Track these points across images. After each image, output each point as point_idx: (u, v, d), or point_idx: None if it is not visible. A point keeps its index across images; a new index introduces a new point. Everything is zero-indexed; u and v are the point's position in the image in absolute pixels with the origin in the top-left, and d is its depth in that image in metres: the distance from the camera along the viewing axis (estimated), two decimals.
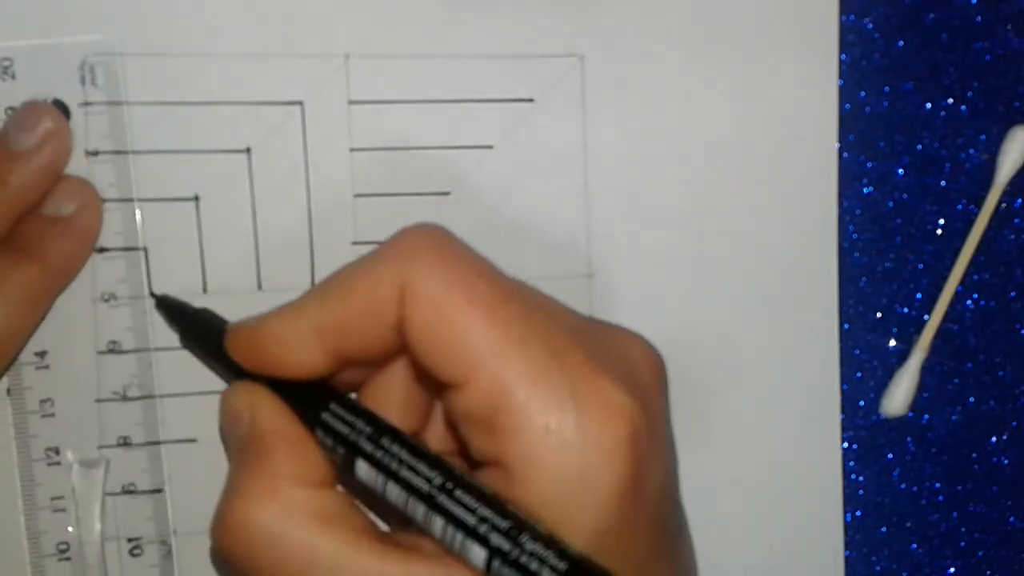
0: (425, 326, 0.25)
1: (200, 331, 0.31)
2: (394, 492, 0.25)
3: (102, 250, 0.31)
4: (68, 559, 0.31)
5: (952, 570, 0.38)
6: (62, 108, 0.31)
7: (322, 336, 0.26)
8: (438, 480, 0.25)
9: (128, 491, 0.32)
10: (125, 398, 0.32)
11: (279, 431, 0.26)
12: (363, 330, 0.26)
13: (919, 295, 0.37)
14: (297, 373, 0.27)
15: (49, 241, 0.30)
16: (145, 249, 0.32)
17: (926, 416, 0.38)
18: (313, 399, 0.27)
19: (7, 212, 0.29)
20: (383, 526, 0.28)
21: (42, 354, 0.31)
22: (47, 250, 0.30)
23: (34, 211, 0.30)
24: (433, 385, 0.27)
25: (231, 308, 0.32)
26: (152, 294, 0.32)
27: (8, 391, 0.31)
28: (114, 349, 0.32)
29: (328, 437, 0.26)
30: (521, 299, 0.26)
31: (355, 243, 0.33)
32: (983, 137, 0.37)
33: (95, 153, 0.31)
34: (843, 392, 0.37)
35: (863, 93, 0.37)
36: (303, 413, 0.27)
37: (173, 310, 0.32)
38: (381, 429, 0.26)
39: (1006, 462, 0.38)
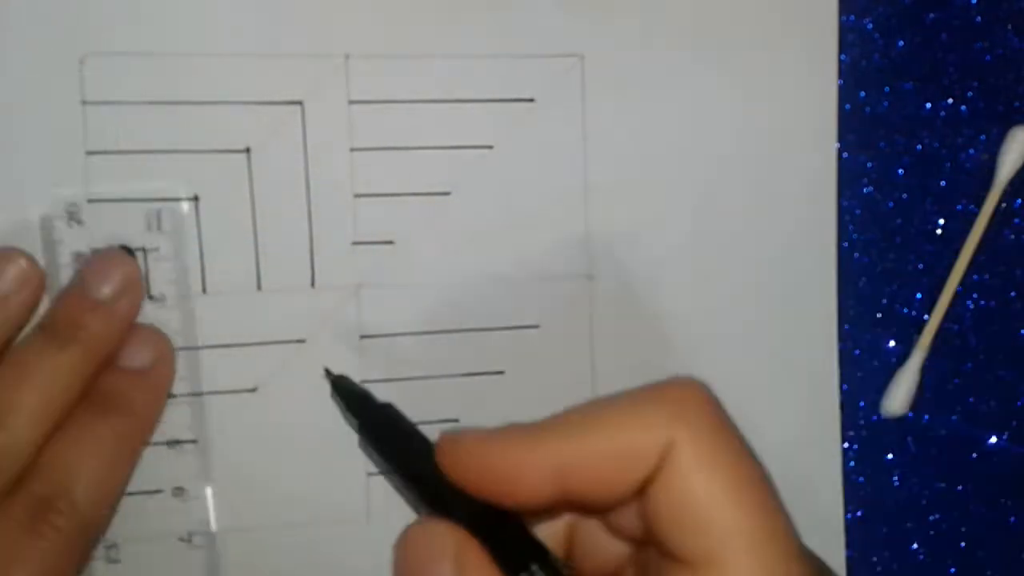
0: (682, 496, 0.23)
1: (386, 431, 0.29)
2: None
3: (170, 396, 0.32)
4: None
5: (952, 570, 0.38)
6: (128, 253, 0.31)
7: (562, 473, 0.24)
8: None
9: None
10: (191, 544, 0.32)
11: None
12: (609, 479, 0.24)
13: (919, 295, 0.37)
14: (517, 505, 0.24)
15: (130, 394, 0.30)
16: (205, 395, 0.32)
17: (926, 416, 0.38)
18: (516, 550, 0.24)
19: (91, 361, 0.29)
20: None
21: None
22: (129, 403, 0.30)
23: (111, 364, 0.30)
24: (660, 549, 0.24)
25: (231, 308, 0.32)
26: (328, 372, 0.31)
27: None
28: (179, 496, 0.32)
29: None
30: (769, 487, 0.24)
31: (355, 243, 0.33)
32: (983, 137, 0.37)
33: (161, 299, 0.32)
34: (843, 392, 0.37)
35: (863, 93, 0.37)
36: (502, 563, 0.24)
37: (352, 398, 0.30)
38: None
39: (1006, 462, 0.38)
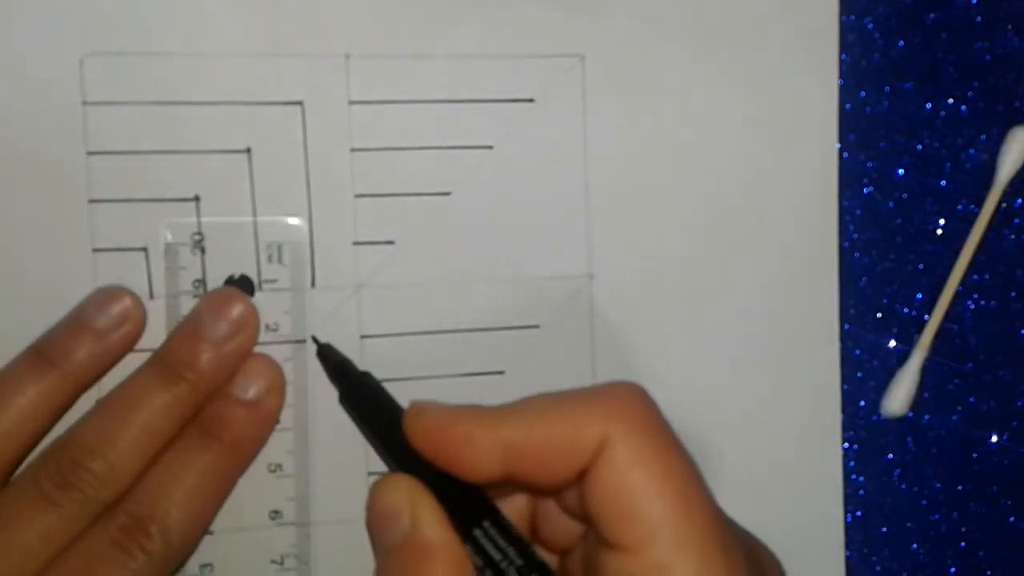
0: (614, 487, 0.25)
1: (363, 397, 0.31)
2: None
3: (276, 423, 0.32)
4: None
5: (952, 570, 0.38)
6: (247, 283, 0.32)
7: (509, 453, 0.26)
8: None
9: None
10: (283, 567, 0.32)
11: (441, 545, 0.26)
12: (549, 464, 0.26)
13: (919, 295, 0.37)
14: (469, 475, 0.27)
15: (237, 424, 0.30)
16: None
17: (926, 416, 0.38)
18: (470, 509, 0.27)
19: (197, 399, 0.30)
20: None
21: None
22: (235, 432, 0.30)
23: (223, 392, 0.31)
24: (595, 533, 0.27)
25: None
26: (315, 339, 0.32)
27: None
28: (276, 519, 0.32)
29: (477, 556, 0.26)
30: (706, 488, 0.26)
31: (355, 243, 0.33)
32: (983, 137, 0.37)
33: (275, 329, 0.32)
34: (843, 392, 0.37)
35: (863, 93, 0.37)
36: (457, 520, 0.27)
37: (335, 365, 0.32)
38: (532, 564, 0.26)
39: (1006, 462, 0.38)
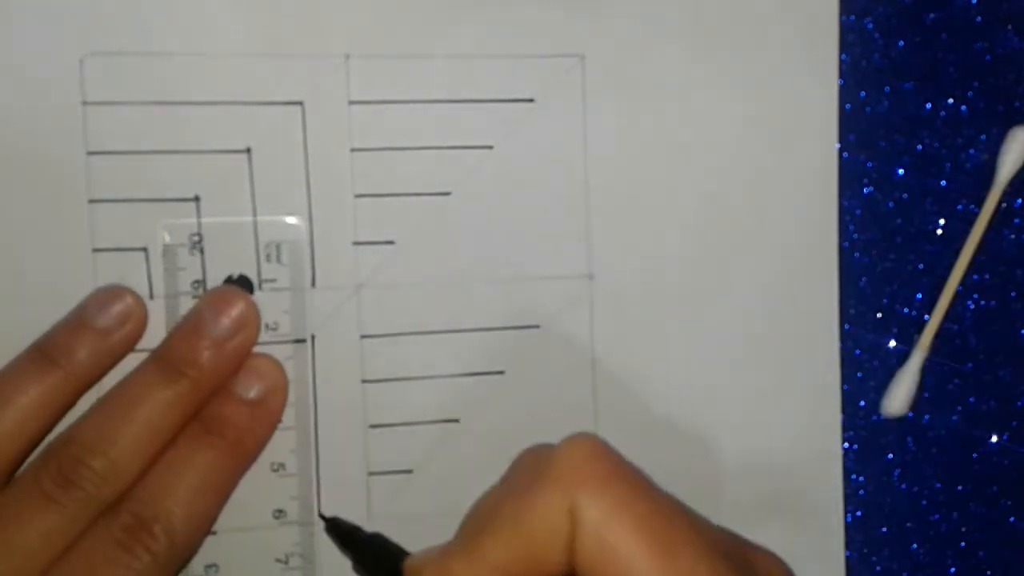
0: (594, 552, 0.25)
1: (373, 558, 0.31)
2: None
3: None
4: None
5: (952, 570, 0.38)
6: (247, 283, 0.32)
7: (504, 573, 0.26)
8: None
9: None
10: (287, 566, 0.32)
11: None
12: (542, 560, 0.26)
13: (919, 295, 0.37)
14: None
15: (239, 424, 0.30)
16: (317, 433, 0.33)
17: (926, 416, 0.38)
18: None
19: (198, 396, 0.30)
20: None
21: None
22: (239, 431, 0.30)
23: (225, 390, 0.31)
24: None
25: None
26: (322, 516, 0.32)
27: None
28: (280, 518, 0.32)
29: None
30: (683, 520, 0.26)
31: (355, 243, 0.33)
32: (983, 137, 0.37)
33: (274, 328, 0.32)
34: (843, 392, 0.37)
35: (863, 93, 0.37)
36: None
37: (344, 537, 0.32)
38: None
39: (1006, 462, 0.38)
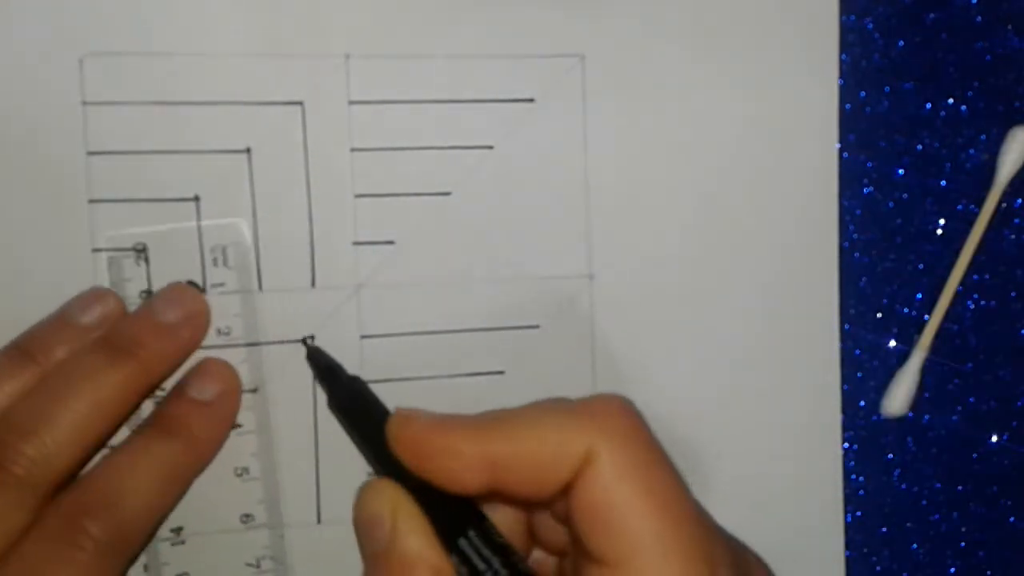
0: (599, 500, 0.25)
1: (352, 402, 0.31)
2: None
3: (235, 426, 0.32)
4: None
5: (952, 570, 0.38)
6: (195, 288, 0.32)
7: (494, 467, 0.26)
8: None
9: None
10: (259, 569, 0.32)
11: (422, 556, 0.26)
12: (535, 478, 0.26)
13: (919, 295, 0.37)
14: (453, 488, 0.27)
15: (193, 423, 0.30)
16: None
17: (926, 416, 0.38)
18: (455, 518, 0.27)
19: (142, 380, 0.30)
20: None
21: (178, 530, 0.32)
22: (191, 432, 0.30)
23: (178, 391, 0.31)
24: (580, 547, 0.26)
25: (240, 304, 0.32)
26: (304, 342, 0.32)
27: (145, 567, 0.31)
28: (247, 523, 0.32)
29: (462, 565, 0.26)
30: (690, 500, 0.26)
31: (355, 243, 0.33)
32: (983, 137, 0.37)
33: (227, 332, 0.32)
34: (843, 392, 0.37)
35: (863, 93, 0.37)
36: (442, 529, 0.27)
37: (324, 369, 0.32)
38: (517, 574, 0.26)
39: (1006, 462, 0.38)
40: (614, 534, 0.25)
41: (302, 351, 0.33)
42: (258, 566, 0.32)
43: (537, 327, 0.34)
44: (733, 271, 0.35)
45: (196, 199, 0.32)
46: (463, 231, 0.34)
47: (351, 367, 0.33)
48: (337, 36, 0.33)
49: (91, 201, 0.31)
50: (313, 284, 0.33)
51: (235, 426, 0.32)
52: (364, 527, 0.27)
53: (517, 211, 0.34)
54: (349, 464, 0.32)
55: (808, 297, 0.36)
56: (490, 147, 0.34)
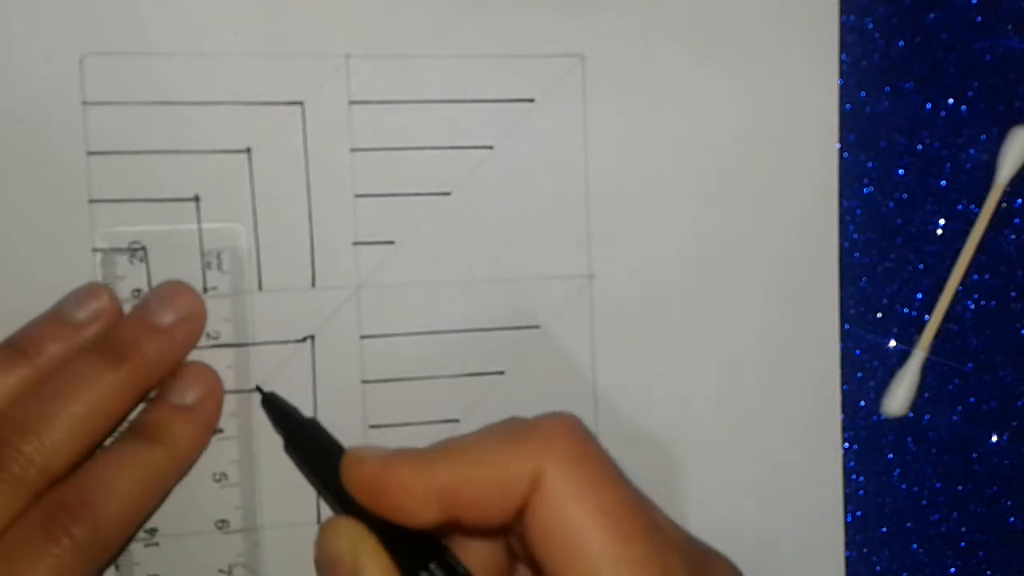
0: (551, 523, 0.25)
1: (308, 445, 0.31)
2: None
3: (217, 431, 0.32)
4: None
5: (952, 570, 0.38)
6: (190, 288, 0.32)
7: (444, 498, 0.26)
8: None
9: None
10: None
11: None
12: (487, 505, 0.26)
13: (919, 295, 0.37)
14: (409, 523, 0.27)
15: (174, 428, 0.30)
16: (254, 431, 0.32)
17: (927, 416, 0.38)
18: (416, 552, 0.27)
19: (140, 383, 0.30)
20: None
21: (152, 531, 0.32)
22: (174, 436, 0.30)
23: (160, 398, 0.31)
24: (532, 566, 0.27)
25: (231, 308, 0.32)
26: (259, 389, 0.32)
27: (116, 566, 0.31)
28: (223, 528, 0.32)
29: None
30: (644, 512, 0.26)
31: (355, 243, 0.33)
32: (983, 137, 0.37)
33: (216, 336, 0.32)
34: (844, 392, 0.37)
35: (863, 93, 0.37)
36: (403, 564, 0.27)
37: (279, 414, 0.32)
38: None
39: (1006, 462, 0.38)
40: (568, 556, 0.25)
41: (301, 351, 0.33)
42: (230, 572, 0.32)
43: (537, 327, 0.34)
44: (733, 271, 0.35)
45: (196, 199, 0.32)
46: (463, 231, 0.34)
47: (351, 367, 0.33)
48: (337, 36, 0.33)
49: (91, 201, 0.31)
50: (313, 284, 0.33)
51: (217, 431, 0.32)
52: (326, 567, 0.28)
53: (517, 211, 0.34)
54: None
55: (808, 297, 0.36)
56: (490, 147, 0.34)
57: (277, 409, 0.32)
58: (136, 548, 0.32)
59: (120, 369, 0.29)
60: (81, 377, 0.29)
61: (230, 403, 0.32)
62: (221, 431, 0.32)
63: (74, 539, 0.27)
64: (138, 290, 0.31)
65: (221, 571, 0.32)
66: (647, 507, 0.26)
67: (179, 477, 0.31)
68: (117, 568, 0.31)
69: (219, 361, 0.32)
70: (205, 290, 0.32)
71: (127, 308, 0.31)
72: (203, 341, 0.32)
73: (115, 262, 0.31)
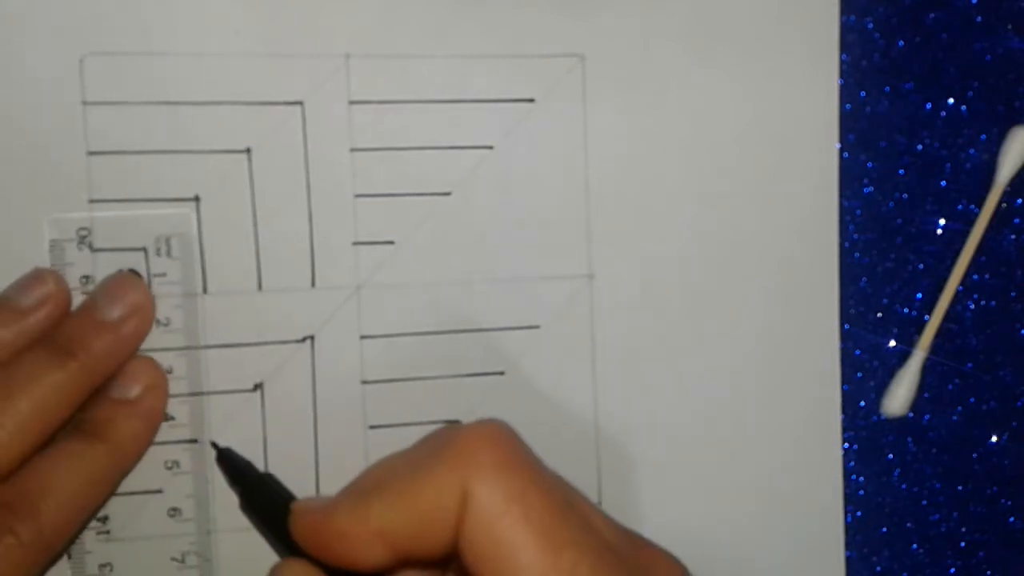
0: (481, 541, 0.25)
1: (263, 499, 0.31)
2: None
3: (168, 418, 0.32)
4: None
5: (952, 570, 0.38)
6: (139, 278, 0.31)
7: (386, 537, 0.26)
8: None
9: None
10: (183, 564, 0.32)
11: None
12: (427, 535, 0.26)
13: (919, 295, 0.37)
14: (360, 567, 0.26)
15: (118, 424, 0.30)
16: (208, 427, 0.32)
17: (927, 416, 0.38)
18: None
19: (89, 379, 0.30)
20: None
21: (104, 519, 0.32)
22: (117, 432, 0.30)
23: (103, 394, 0.30)
24: None
25: (231, 308, 0.32)
26: (214, 445, 0.32)
27: (68, 555, 0.31)
28: (175, 517, 0.32)
29: None
30: (574, 517, 0.26)
31: (355, 243, 0.33)
32: (983, 137, 0.37)
33: (166, 324, 0.32)
34: (844, 392, 0.37)
35: (863, 93, 0.37)
36: None
37: (236, 469, 0.32)
38: None
39: (1006, 462, 0.38)
40: (499, 569, 0.25)
41: (301, 351, 0.33)
42: (183, 561, 0.32)
43: (537, 327, 0.34)
44: (733, 271, 0.35)
45: (196, 199, 0.32)
46: (463, 231, 0.34)
47: (351, 368, 0.33)
48: (337, 36, 0.33)
49: (91, 201, 0.31)
50: (313, 284, 0.33)
51: (168, 418, 0.32)
52: None
53: (517, 211, 0.34)
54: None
55: (808, 297, 0.36)
56: (490, 147, 0.34)
57: (232, 466, 0.32)
58: (88, 537, 0.31)
59: (69, 366, 0.29)
60: (27, 374, 0.29)
61: (179, 387, 0.32)
62: (172, 418, 0.32)
63: (18, 537, 0.27)
64: (87, 277, 0.31)
65: (174, 559, 0.32)
66: (578, 509, 0.26)
67: (125, 472, 0.31)
68: (69, 557, 0.31)
69: (170, 347, 0.32)
70: (153, 278, 0.31)
71: (76, 295, 0.31)
72: (154, 330, 0.31)
73: (64, 248, 0.31)
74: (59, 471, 0.29)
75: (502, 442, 0.26)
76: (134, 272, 0.31)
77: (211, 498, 0.32)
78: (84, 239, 0.31)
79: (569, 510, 0.26)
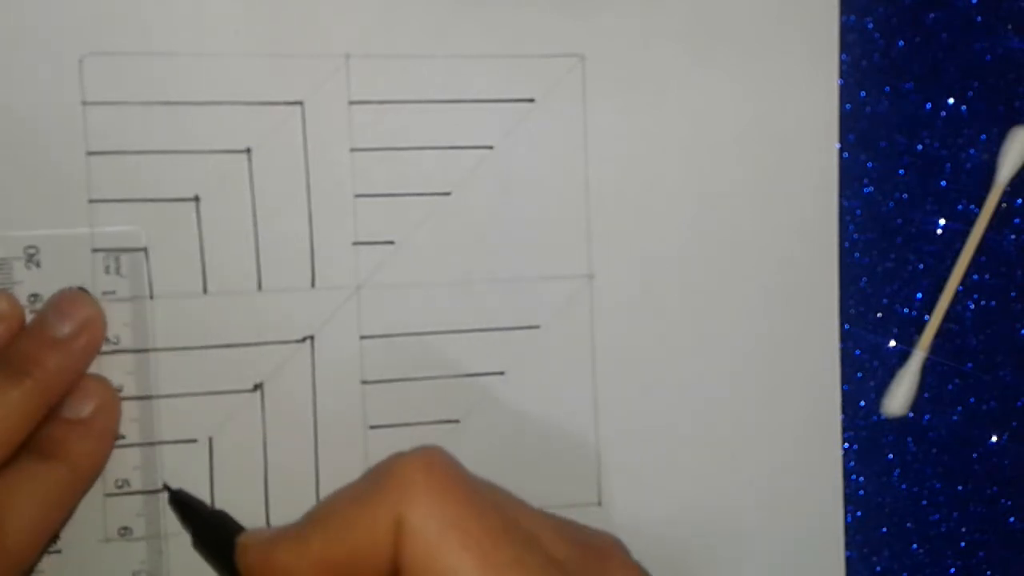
0: (421, 567, 0.25)
1: (213, 536, 0.30)
2: None
3: (118, 437, 0.32)
4: None
5: (952, 570, 0.38)
6: (87, 294, 0.31)
7: (327, 570, 0.26)
8: None
9: None
10: None
11: None
12: (365, 565, 0.25)
13: (919, 295, 0.37)
14: None
15: (72, 443, 0.30)
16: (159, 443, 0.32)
17: (927, 416, 0.38)
18: None
19: (43, 397, 0.29)
20: None
21: (54, 538, 0.31)
22: (71, 452, 0.30)
23: (55, 414, 0.30)
24: None
25: (231, 308, 0.32)
26: (166, 487, 0.32)
27: None
28: (125, 536, 0.32)
29: None
30: (515, 536, 0.25)
31: (355, 243, 0.33)
32: (983, 137, 0.37)
33: (115, 342, 0.31)
34: (844, 392, 0.37)
35: (863, 93, 0.37)
36: None
37: (187, 508, 0.31)
38: None
39: (1006, 462, 0.38)
40: None
41: (301, 351, 0.33)
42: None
43: (537, 327, 0.34)
44: (733, 271, 0.35)
45: (196, 199, 0.32)
46: (463, 231, 0.34)
47: (351, 367, 0.33)
48: (337, 36, 0.33)
49: (91, 201, 0.31)
50: (313, 284, 0.33)
51: (119, 437, 0.32)
52: None
53: (517, 211, 0.34)
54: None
55: (808, 297, 0.36)
56: (490, 147, 0.34)
57: (184, 506, 0.32)
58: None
59: (20, 387, 0.29)
60: None
61: (130, 409, 0.32)
62: (122, 437, 0.32)
63: None
64: (35, 295, 0.31)
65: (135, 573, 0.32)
66: (520, 527, 0.26)
67: (84, 491, 0.31)
68: None
69: (120, 367, 0.31)
70: (102, 295, 0.31)
71: (25, 313, 0.31)
72: (103, 347, 0.31)
73: (12, 267, 0.31)
74: (16, 494, 0.29)
75: (436, 468, 0.26)
76: (82, 290, 0.31)
77: (161, 516, 0.32)
78: (32, 257, 0.31)
79: (510, 530, 0.25)
